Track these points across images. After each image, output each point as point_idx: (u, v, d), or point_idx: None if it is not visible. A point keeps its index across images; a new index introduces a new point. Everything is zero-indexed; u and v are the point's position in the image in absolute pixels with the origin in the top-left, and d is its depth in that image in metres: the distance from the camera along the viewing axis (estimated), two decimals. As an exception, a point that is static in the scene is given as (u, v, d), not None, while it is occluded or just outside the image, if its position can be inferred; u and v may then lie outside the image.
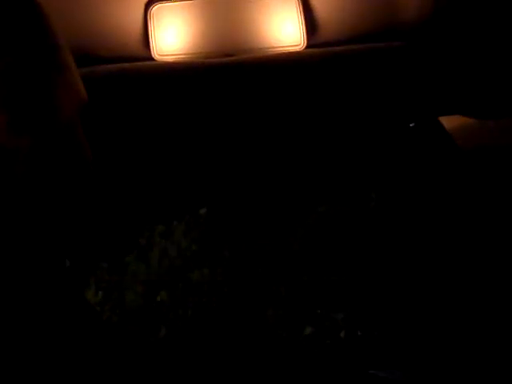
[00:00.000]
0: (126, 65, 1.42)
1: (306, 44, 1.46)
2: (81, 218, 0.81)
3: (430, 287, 1.19)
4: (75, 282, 1.04)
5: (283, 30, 1.45)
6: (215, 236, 1.28)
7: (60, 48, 0.77)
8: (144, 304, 1.21)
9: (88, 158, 0.80)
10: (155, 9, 1.44)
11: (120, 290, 1.23)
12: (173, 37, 1.45)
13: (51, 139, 0.75)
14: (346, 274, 1.21)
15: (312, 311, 1.17)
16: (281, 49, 1.46)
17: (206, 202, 1.34)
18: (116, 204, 1.34)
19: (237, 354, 1.13)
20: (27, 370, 0.74)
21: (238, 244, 1.26)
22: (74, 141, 0.78)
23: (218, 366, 1.13)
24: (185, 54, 1.46)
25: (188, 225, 1.29)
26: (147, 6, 1.44)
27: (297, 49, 1.46)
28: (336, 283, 1.20)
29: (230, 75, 1.42)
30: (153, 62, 1.45)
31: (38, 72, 0.74)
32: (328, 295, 1.18)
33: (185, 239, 1.26)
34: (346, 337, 1.15)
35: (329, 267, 1.22)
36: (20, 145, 0.73)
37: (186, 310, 1.18)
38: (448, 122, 1.44)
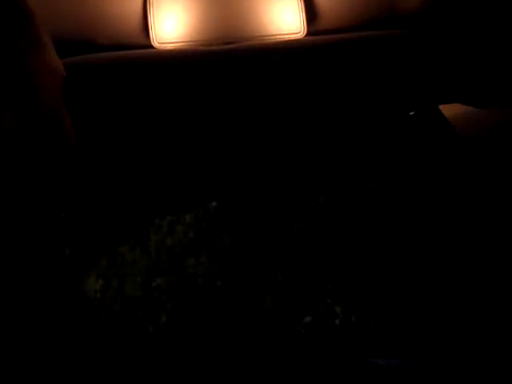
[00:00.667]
0: (126, 53, 1.42)
1: (306, 32, 1.45)
2: (64, 196, 0.80)
3: (427, 277, 1.20)
4: (75, 271, 1.04)
5: (283, 18, 1.45)
6: (219, 227, 1.29)
7: (34, 26, 0.77)
8: (143, 292, 1.21)
9: (70, 136, 0.79)
10: (155, -4, 1.43)
11: (120, 278, 1.23)
12: (172, 24, 1.44)
13: (33, 118, 0.75)
14: (344, 264, 1.21)
15: (310, 300, 1.18)
16: (281, 36, 1.45)
17: (214, 195, 1.34)
18: (118, 197, 1.34)
19: (236, 343, 1.14)
20: (27, 360, 0.74)
21: (238, 234, 1.26)
22: (55, 119, 0.77)
23: (218, 355, 1.13)
24: (185, 42, 1.45)
25: (196, 217, 1.29)
26: (147, -6, 1.43)
27: (297, 36, 1.45)
28: (334, 273, 1.20)
29: (231, 63, 1.41)
30: (152, 50, 1.45)
31: (14, 51, 0.73)
32: (326, 284, 1.19)
33: (183, 228, 1.26)
34: (342, 325, 1.15)
35: (327, 257, 1.22)
36: (4, 121, 0.72)
37: (184, 299, 1.19)
38: (448, 110, 1.43)
